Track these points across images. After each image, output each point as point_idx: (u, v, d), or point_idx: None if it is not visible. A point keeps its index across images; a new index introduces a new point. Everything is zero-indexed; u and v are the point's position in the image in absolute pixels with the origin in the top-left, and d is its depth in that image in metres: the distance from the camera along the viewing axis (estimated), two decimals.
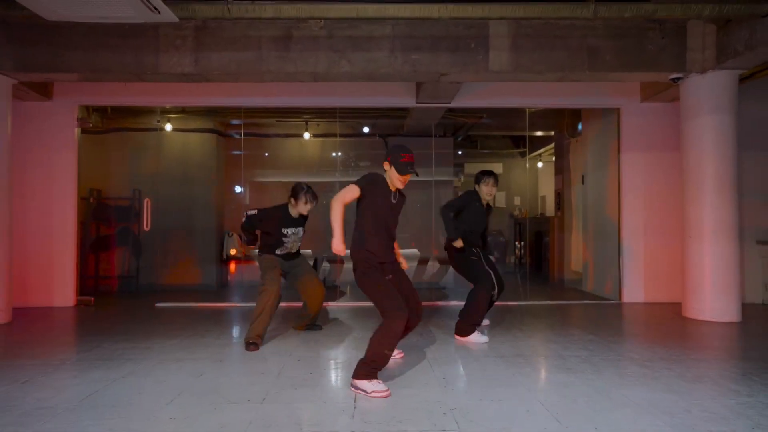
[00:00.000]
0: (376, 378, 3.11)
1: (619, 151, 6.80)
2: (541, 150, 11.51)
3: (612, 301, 6.75)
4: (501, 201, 12.51)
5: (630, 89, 6.69)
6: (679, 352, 4.03)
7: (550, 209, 11.97)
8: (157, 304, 6.54)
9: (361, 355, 3.26)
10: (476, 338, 4.46)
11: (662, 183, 6.63)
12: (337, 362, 3.84)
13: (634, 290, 6.65)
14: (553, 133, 9.77)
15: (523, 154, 12.22)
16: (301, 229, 4.70)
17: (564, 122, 9.07)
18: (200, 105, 7.38)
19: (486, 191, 4.82)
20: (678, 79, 5.51)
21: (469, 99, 6.76)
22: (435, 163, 9.16)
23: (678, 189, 6.47)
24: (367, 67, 5.40)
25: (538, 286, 8.45)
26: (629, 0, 4.75)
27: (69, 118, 6.53)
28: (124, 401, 2.95)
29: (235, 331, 4.90)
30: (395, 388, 3.16)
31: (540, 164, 12.09)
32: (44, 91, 6.30)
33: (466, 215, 4.76)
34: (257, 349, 4.15)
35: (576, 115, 8.65)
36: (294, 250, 4.72)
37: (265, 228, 4.61)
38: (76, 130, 6.58)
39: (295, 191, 4.58)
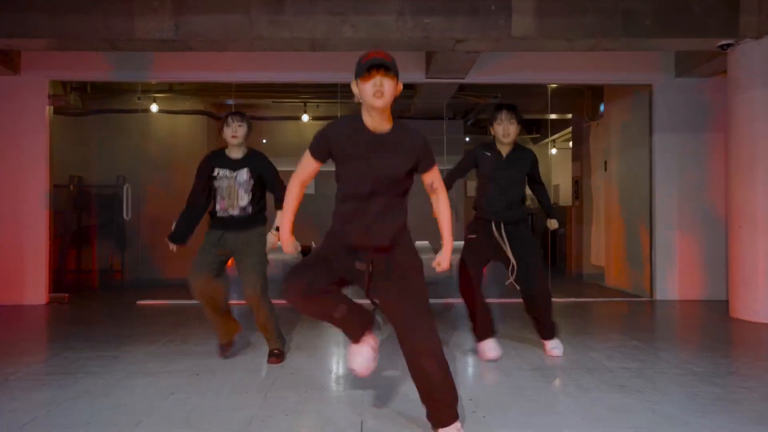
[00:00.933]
0: None
1: (650, 133, 6.12)
2: (555, 135, 10.80)
3: (642, 298, 6.11)
4: None
5: (663, 63, 6.00)
6: (748, 364, 3.37)
7: (564, 199, 11.30)
8: (139, 302, 5.90)
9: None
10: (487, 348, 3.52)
11: (700, 167, 5.96)
12: (338, 376, 3.19)
13: (668, 286, 5.99)
14: (570, 116, 9.07)
15: (536, 140, 11.54)
16: (243, 172, 3.35)
17: (584, 104, 8.38)
18: (186, 80, 6.74)
19: (501, 132, 3.46)
20: (727, 46, 4.81)
21: (484, 74, 6.08)
22: (447, 150, 8.49)
23: (717, 174, 5.84)
24: (373, 32, 4.73)
25: (555, 281, 7.79)
26: None
27: (39, 95, 5.87)
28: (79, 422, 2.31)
29: None
30: (410, 411, 2.51)
31: (554, 151, 11.39)
32: (10, 64, 5.63)
33: (479, 179, 3.62)
34: (223, 355, 3.51)
35: (597, 95, 7.97)
36: (235, 210, 3.35)
37: (196, 183, 3.42)
38: (48, 109, 5.92)
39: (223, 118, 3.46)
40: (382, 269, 2.24)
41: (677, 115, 5.98)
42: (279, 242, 2.92)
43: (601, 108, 7.78)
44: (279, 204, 3.36)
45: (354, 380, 3.00)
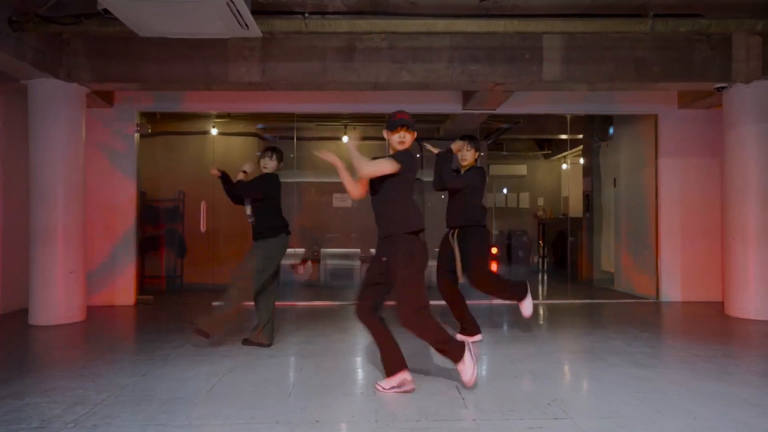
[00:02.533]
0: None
1: (656, 156, 7.06)
2: (566, 152, 11.76)
3: (649, 300, 7.02)
4: (525, 201, 12.79)
5: (667, 96, 6.95)
6: (738, 348, 4.30)
7: (573, 210, 12.24)
8: (214, 303, 6.80)
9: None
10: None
11: (699, 187, 6.90)
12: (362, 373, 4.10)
13: (672, 289, 6.92)
14: (581, 136, 10.02)
15: (547, 156, 12.51)
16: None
17: (594, 126, 9.34)
18: (251, 111, 7.61)
19: (459, 157, 4.61)
20: (722, 88, 5.77)
21: (512, 106, 7.01)
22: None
23: (715, 193, 6.76)
24: (426, 77, 5.65)
25: (569, 285, 8.71)
26: (684, 15, 5.00)
27: (129, 124, 6.78)
28: (238, 391, 3.22)
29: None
30: (484, 382, 3.43)
31: (565, 166, 12.34)
32: (107, 97, 6.56)
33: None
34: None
35: (607, 119, 8.91)
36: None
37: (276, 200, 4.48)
38: (136, 136, 6.84)
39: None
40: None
41: (679, 142, 6.92)
42: None
43: (611, 131, 8.73)
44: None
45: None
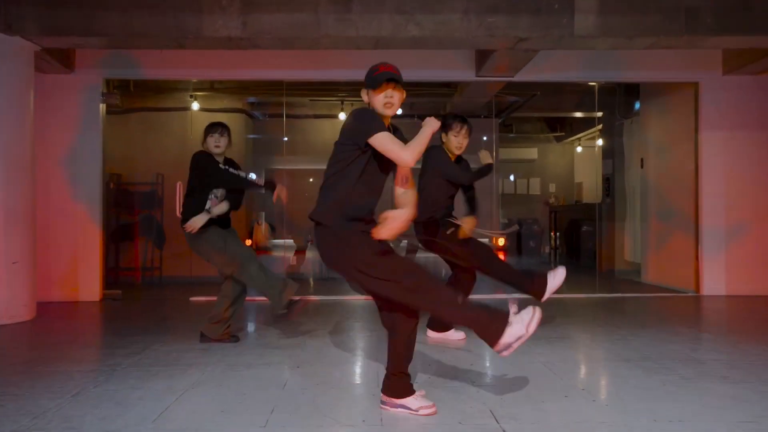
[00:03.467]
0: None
1: (696, 131, 6.20)
2: (582, 134, 10.90)
3: (687, 294, 6.18)
4: (535, 188, 11.94)
5: (710, 61, 6.08)
6: None
7: (587, 196, 11.40)
8: (192, 299, 5.94)
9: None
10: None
11: (748, 164, 6.06)
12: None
13: (715, 282, 6.07)
14: (600, 114, 9.14)
15: (559, 139, 11.64)
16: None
17: (615, 101, 8.46)
18: (233, 78, 6.75)
19: (455, 143, 3.82)
20: None
21: (531, 72, 6.14)
22: (479, 147, 8.55)
23: (765, 171, 5.92)
24: (437, 31, 4.77)
25: (584, 276, 7.89)
26: None
27: (93, 93, 5.90)
28: (199, 417, 2.36)
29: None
30: (528, 401, 2.58)
31: (579, 149, 11.48)
32: (66, 61, 5.66)
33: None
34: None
35: (630, 93, 8.05)
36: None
37: (216, 175, 3.77)
38: (102, 107, 5.95)
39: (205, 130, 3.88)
40: None
41: (725, 113, 6.06)
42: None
43: (636, 106, 7.86)
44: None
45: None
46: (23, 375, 3.08)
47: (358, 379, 3.10)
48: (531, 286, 3.67)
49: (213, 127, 3.83)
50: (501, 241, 10.05)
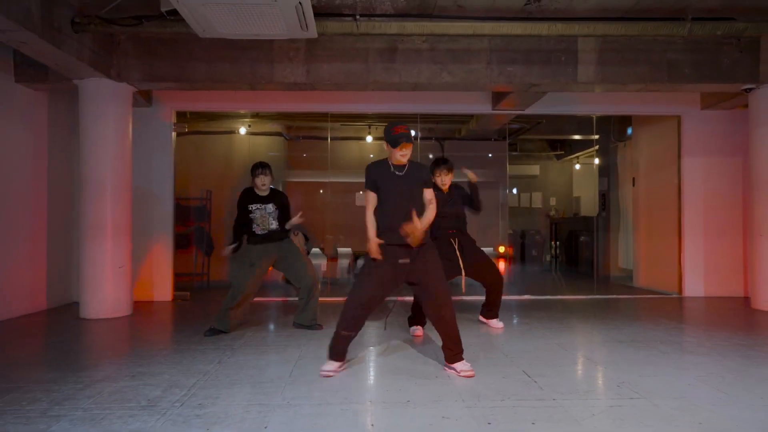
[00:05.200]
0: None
1: (679, 156, 7.28)
2: (580, 153, 11.99)
3: (672, 295, 7.23)
4: (537, 201, 13.00)
5: (690, 98, 7.17)
6: None
7: (585, 209, 12.48)
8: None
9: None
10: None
11: (722, 185, 7.13)
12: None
13: (695, 285, 7.13)
14: (597, 137, 10.24)
15: (559, 157, 12.72)
16: (270, 206, 4.85)
17: (611, 127, 9.56)
18: (283, 110, 7.75)
19: (440, 182, 4.75)
20: (750, 89, 5.99)
21: (539, 106, 7.20)
22: (490, 165, 9.64)
23: (737, 191, 6.99)
24: (466, 78, 5.83)
25: (583, 282, 8.92)
26: (720, 19, 5.21)
27: (167, 123, 6.93)
28: (316, 375, 3.38)
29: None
30: (550, 366, 3.60)
31: (577, 166, 12.57)
32: (146, 96, 6.69)
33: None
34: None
35: (625, 120, 9.14)
36: (269, 227, 4.83)
37: (239, 214, 4.85)
38: (173, 135, 6.98)
39: (251, 170, 4.92)
40: (414, 253, 3.48)
41: (703, 141, 7.15)
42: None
43: (629, 131, 8.95)
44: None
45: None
46: (169, 351, 4.09)
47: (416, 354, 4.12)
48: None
49: (256, 169, 4.89)
50: (502, 249, 11.11)
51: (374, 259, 3.43)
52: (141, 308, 6.16)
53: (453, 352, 3.51)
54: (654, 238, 8.02)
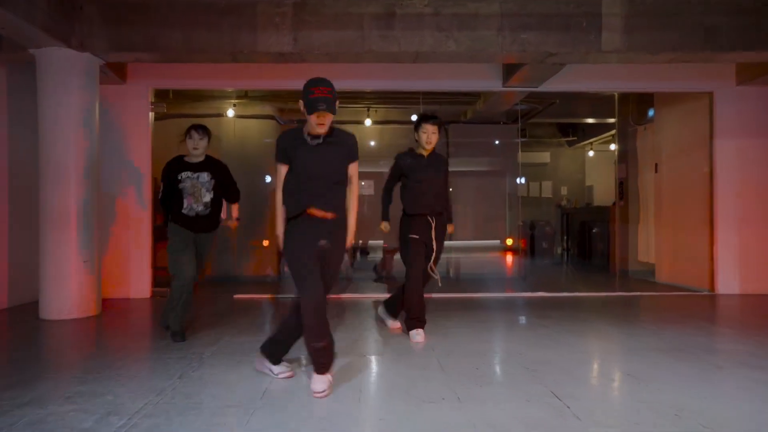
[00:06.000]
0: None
1: (711, 137, 6.57)
2: (593, 139, 11.27)
3: (702, 292, 6.54)
4: (547, 191, 12.31)
5: (724, 72, 6.45)
6: None
7: (598, 199, 11.78)
8: (236, 296, 6.30)
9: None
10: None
11: (761, 169, 6.42)
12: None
13: (729, 281, 6.44)
14: (613, 120, 9.51)
15: (571, 143, 12.00)
16: (204, 174, 4.04)
17: (629, 108, 8.83)
18: (269, 88, 7.09)
19: (424, 139, 4.08)
20: None
21: (555, 83, 6.50)
22: (498, 152, 8.94)
23: None
24: (473, 46, 5.14)
25: (597, 276, 8.26)
26: None
27: (143, 102, 6.26)
28: (303, 395, 2.73)
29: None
30: (581, 384, 2.94)
31: (591, 153, 11.85)
32: (120, 73, 6.03)
33: (408, 182, 4.16)
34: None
35: (644, 101, 8.42)
36: (202, 200, 4.01)
37: (165, 187, 4.08)
38: (150, 115, 6.32)
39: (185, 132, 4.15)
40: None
41: (737, 121, 6.43)
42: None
43: (650, 113, 8.23)
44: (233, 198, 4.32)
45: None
46: (125, 361, 3.44)
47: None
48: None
49: (190, 129, 4.14)
50: (509, 241, 10.42)
51: (298, 253, 2.83)
52: (112, 307, 5.52)
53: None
54: (680, 230, 7.31)
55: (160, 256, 7.94)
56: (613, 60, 5.40)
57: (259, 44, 5.07)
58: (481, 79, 6.52)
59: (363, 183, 8.64)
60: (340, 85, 6.50)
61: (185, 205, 4.00)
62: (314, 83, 2.79)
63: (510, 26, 5.13)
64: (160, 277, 7.58)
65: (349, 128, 9.41)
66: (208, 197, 4.04)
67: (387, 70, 6.28)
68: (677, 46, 5.14)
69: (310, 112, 2.75)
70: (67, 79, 4.94)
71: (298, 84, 6.37)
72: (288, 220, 2.91)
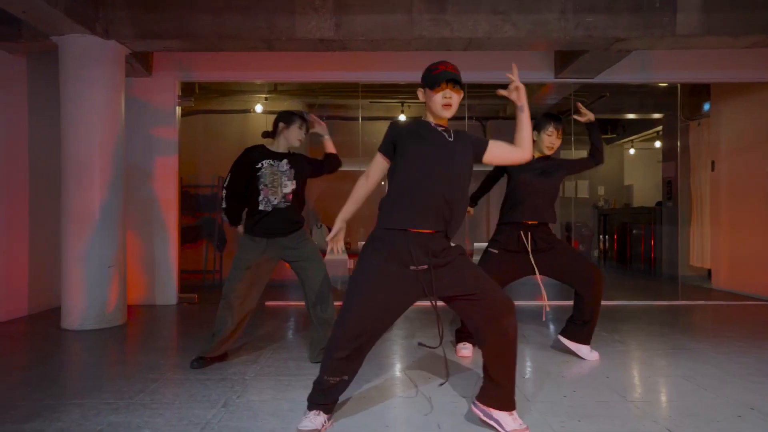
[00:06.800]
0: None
1: None
2: (633, 136, 10.70)
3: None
4: (584, 191, 11.74)
5: None
6: None
7: (639, 199, 11.20)
8: (267, 303, 5.88)
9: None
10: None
11: None
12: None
13: None
14: (660, 115, 8.95)
15: (610, 141, 11.43)
16: (284, 162, 3.39)
17: (678, 102, 8.26)
18: (307, 81, 6.63)
19: (547, 142, 3.53)
20: None
21: (610, 74, 5.99)
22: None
23: None
24: (534, 31, 4.66)
25: (646, 282, 7.71)
26: None
27: (170, 96, 5.86)
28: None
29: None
30: (699, 420, 2.45)
31: (631, 151, 11.27)
32: (146, 65, 5.64)
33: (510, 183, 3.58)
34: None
35: (696, 94, 7.87)
36: (282, 191, 3.34)
37: (235, 176, 3.41)
38: (178, 110, 5.92)
39: (287, 116, 3.52)
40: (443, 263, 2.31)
41: None
42: None
43: (706, 107, 7.67)
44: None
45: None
46: (159, 384, 3.02)
47: None
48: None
49: (293, 117, 3.56)
50: None
51: (368, 263, 2.26)
52: (137, 315, 5.13)
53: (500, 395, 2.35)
54: (741, 232, 6.75)
55: (186, 260, 7.62)
56: (689, 45, 4.88)
57: (298, 30, 4.64)
58: (532, 70, 6.02)
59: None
60: (378, 77, 6.20)
61: (261, 197, 3.33)
62: (436, 63, 2.37)
63: (574, 8, 4.64)
64: (189, 281, 7.25)
65: (382, 126, 8.96)
66: (288, 187, 3.39)
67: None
68: (764, 27, 4.60)
69: (434, 86, 2.30)
70: (92, 69, 4.55)
71: (332, 75, 6.06)
72: None
